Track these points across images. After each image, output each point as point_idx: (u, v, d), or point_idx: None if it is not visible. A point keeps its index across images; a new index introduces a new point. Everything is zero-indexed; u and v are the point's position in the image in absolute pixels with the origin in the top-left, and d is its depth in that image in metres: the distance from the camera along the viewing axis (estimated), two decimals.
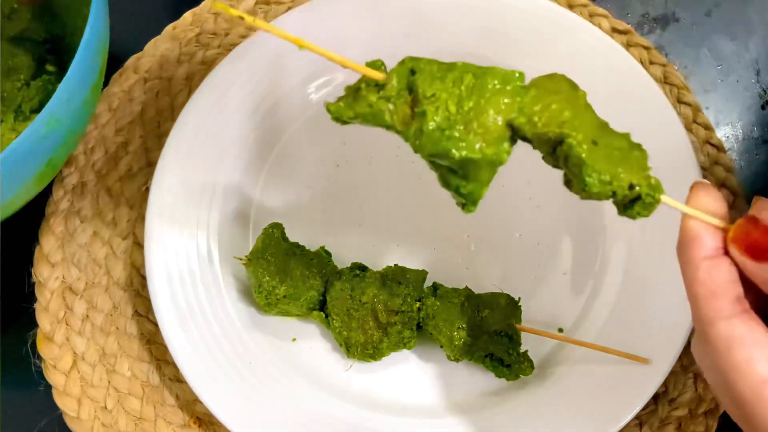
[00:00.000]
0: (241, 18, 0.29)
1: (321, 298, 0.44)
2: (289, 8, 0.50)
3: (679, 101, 0.49)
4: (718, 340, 0.28)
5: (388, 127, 0.31)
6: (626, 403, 0.41)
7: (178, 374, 0.45)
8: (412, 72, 0.31)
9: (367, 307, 0.43)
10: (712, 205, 0.30)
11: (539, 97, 0.30)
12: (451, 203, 0.47)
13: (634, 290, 0.44)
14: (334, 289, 0.43)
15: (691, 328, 0.41)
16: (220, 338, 0.44)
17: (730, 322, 0.28)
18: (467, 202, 0.32)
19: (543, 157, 0.32)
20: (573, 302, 0.45)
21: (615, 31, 0.50)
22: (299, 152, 0.49)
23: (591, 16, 0.51)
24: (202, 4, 0.53)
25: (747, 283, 0.29)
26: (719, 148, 0.48)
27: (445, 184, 0.32)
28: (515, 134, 0.31)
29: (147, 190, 0.48)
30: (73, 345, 0.46)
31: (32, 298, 0.47)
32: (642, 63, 0.48)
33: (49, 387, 0.46)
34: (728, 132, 0.50)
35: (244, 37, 0.51)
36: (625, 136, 0.30)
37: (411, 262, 0.45)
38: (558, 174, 0.47)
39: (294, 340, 0.46)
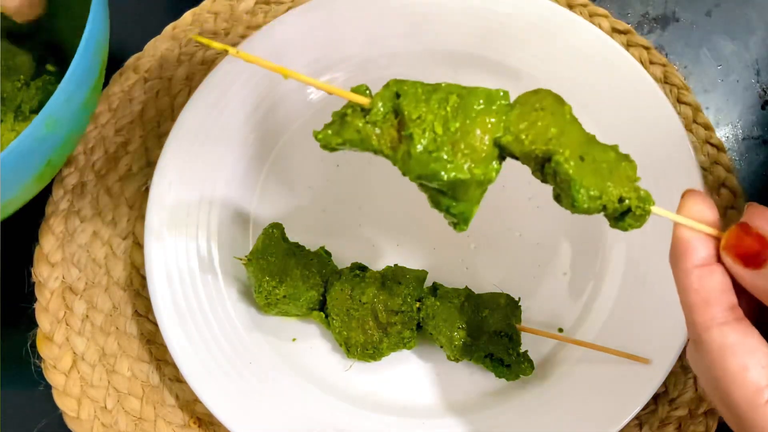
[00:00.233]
0: (225, 51, 0.29)
1: (321, 298, 0.44)
2: (289, 8, 0.50)
3: (679, 101, 0.49)
4: (711, 348, 0.28)
5: (376, 152, 0.31)
6: (626, 403, 0.41)
7: (178, 374, 0.45)
8: (397, 95, 0.31)
9: (367, 307, 0.43)
10: (703, 213, 0.30)
11: (525, 114, 0.30)
12: None
13: (634, 290, 0.44)
14: (334, 289, 0.43)
15: None
16: (220, 338, 0.44)
17: (724, 329, 0.28)
18: (458, 221, 0.32)
19: (532, 173, 0.32)
20: (573, 302, 0.45)
21: (615, 31, 0.50)
22: (299, 152, 0.49)
23: (591, 16, 0.51)
24: (202, 4, 0.53)
25: (740, 291, 0.29)
26: (719, 148, 0.48)
27: (436, 204, 0.32)
28: (503, 152, 0.31)
29: (147, 190, 0.48)
30: (72, 345, 0.46)
31: (32, 298, 0.47)
32: (642, 63, 0.48)
33: (49, 387, 0.46)
34: (728, 132, 0.50)
35: (244, 37, 0.51)
36: (613, 148, 0.30)
37: (411, 262, 0.45)
38: None
39: (294, 340, 0.45)
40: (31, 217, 0.48)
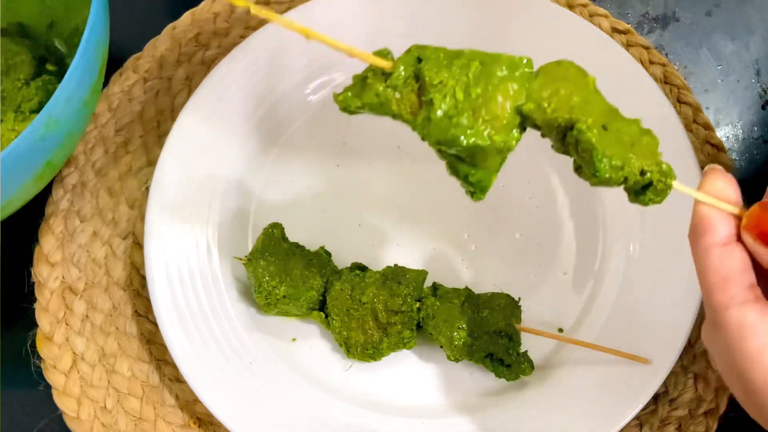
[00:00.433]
0: (248, 8, 0.29)
1: (321, 298, 0.44)
2: (289, 8, 0.50)
3: (679, 101, 0.49)
4: (730, 328, 0.27)
5: (395, 116, 0.31)
6: (626, 403, 0.41)
7: (178, 374, 0.45)
8: (419, 60, 0.30)
9: (367, 307, 0.43)
10: (725, 190, 0.29)
11: (548, 83, 0.30)
12: (450, 203, 0.47)
13: (634, 290, 0.44)
14: (334, 289, 0.43)
15: (691, 329, 0.41)
16: (220, 338, 0.44)
17: (743, 309, 0.27)
18: (476, 190, 0.32)
19: (552, 145, 0.31)
20: (573, 302, 0.45)
21: (615, 31, 0.50)
22: (299, 152, 0.49)
23: (591, 16, 0.51)
24: (202, 4, 0.53)
25: (760, 271, 0.28)
26: (719, 148, 0.48)
27: (454, 172, 0.32)
28: (524, 121, 0.30)
29: (147, 189, 0.47)
30: (72, 345, 0.46)
31: (32, 298, 0.47)
32: (642, 63, 0.48)
33: (48, 387, 0.46)
34: (728, 132, 0.50)
35: (243, 37, 0.51)
36: (636, 122, 0.30)
37: (411, 262, 0.45)
38: (558, 174, 0.47)
39: (294, 340, 0.45)
40: (31, 217, 0.48)
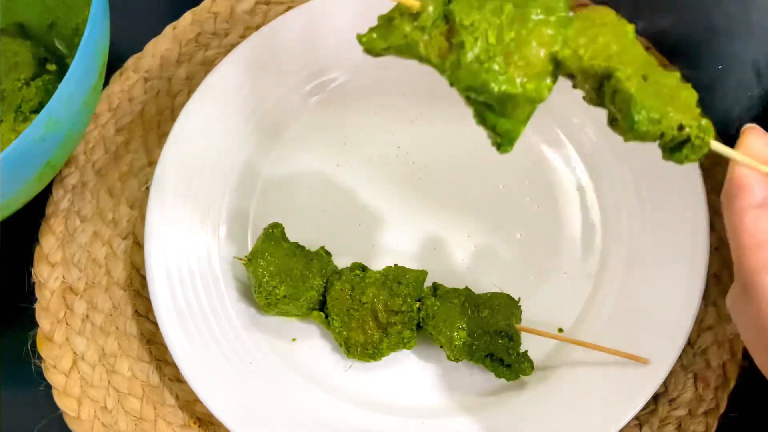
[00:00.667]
0: None
1: (321, 298, 0.44)
2: (289, 8, 0.50)
3: None
4: (762, 292, 0.26)
5: (422, 59, 0.30)
6: (626, 403, 0.41)
7: (178, 374, 0.45)
8: (449, 0, 0.29)
9: (367, 307, 0.43)
10: (763, 150, 0.28)
11: (585, 29, 0.29)
12: (451, 203, 0.47)
13: (634, 290, 0.44)
14: (334, 289, 0.43)
15: (690, 328, 0.41)
16: (220, 338, 0.44)
17: None
18: (503, 141, 0.30)
19: (584, 97, 0.30)
20: (573, 302, 0.45)
21: None
22: (299, 152, 0.49)
23: None
24: (202, 4, 0.53)
25: None
26: None
27: (481, 120, 0.30)
28: (558, 68, 0.29)
29: (147, 189, 0.48)
30: (73, 345, 0.46)
31: (32, 298, 0.47)
32: None
33: (49, 387, 0.46)
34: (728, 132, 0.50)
35: (243, 37, 0.51)
36: (674, 75, 0.29)
37: (411, 262, 0.45)
38: (558, 174, 0.47)
39: (294, 340, 0.45)
40: (31, 217, 0.48)
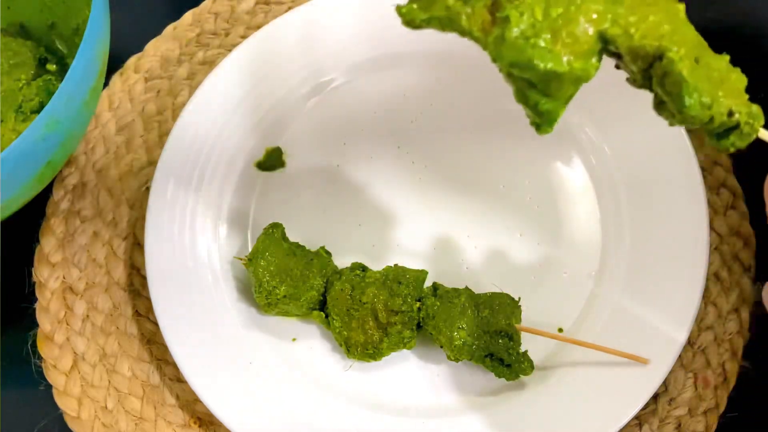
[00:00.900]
0: None
1: (321, 298, 0.44)
2: (290, 8, 0.50)
3: None
4: None
5: (464, 33, 0.29)
6: (626, 403, 0.41)
7: (178, 374, 0.45)
8: None
9: (367, 307, 0.43)
10: None
11: (635, 7, 0.27)
12: (451, 203, 0.47)
13: (634, 290, 0.44)
14: (334, 289, 0.43)
15: (690, 328, 0.41)
16: (220, 338, 0.44)
17: None
18: (543, 122, 0.29)
19: (628, 78, 0.29)
20: (573, 302, 0.45)
21: None
22: (299, 152, 0.49)
23: None
24: (202, 4, 0.53)
25: None
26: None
27: (523, 99, 0.29)
28: (606, 47, 0.28)
29: (147, 190, 0.48)
30: (73, 345, 0.46)
31: (32, 299, 0.47)
32: None
33: (49, 387, 0.46)
34: None
35: (244, 37, 0.51)
36: (723, 58, 0.28)
37: (411, 262, 0.45)
38: (559, 174, 0.47)
39: (294, 340, 0.46)
40: (31, 217, 0.48)
